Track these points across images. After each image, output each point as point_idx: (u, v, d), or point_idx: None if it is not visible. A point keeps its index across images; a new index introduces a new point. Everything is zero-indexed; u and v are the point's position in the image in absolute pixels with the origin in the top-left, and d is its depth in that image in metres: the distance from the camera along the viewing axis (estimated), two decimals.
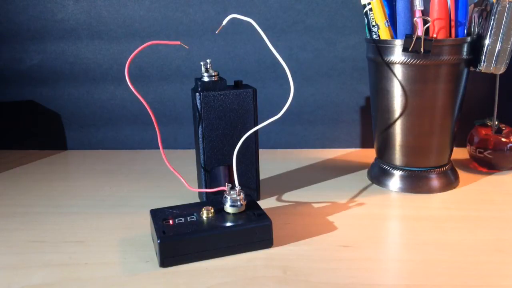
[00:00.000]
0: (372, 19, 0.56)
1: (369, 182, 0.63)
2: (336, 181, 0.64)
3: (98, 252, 0.46)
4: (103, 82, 0.77)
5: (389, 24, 0.56)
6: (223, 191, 0.49)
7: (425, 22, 0.53)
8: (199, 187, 0.57)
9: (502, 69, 0.55)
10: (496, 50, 0.54)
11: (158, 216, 0.47)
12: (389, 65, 0.56)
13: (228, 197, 0.48)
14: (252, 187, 0.57)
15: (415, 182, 0.59)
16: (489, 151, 0.64)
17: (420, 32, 0.52)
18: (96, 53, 0.76)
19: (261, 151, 0.58)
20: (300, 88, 0.76)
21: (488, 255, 0.44)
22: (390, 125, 0.59)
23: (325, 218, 0.52)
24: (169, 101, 0.78)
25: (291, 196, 0.59)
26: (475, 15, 0.58)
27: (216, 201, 0.50)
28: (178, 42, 0.51)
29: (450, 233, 0.49)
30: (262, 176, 0.62)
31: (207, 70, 0.53)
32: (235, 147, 0.52)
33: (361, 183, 0.63)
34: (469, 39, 0.55)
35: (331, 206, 0.56)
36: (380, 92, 0.59)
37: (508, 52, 0.54)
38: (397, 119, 0.58)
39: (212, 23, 0.74)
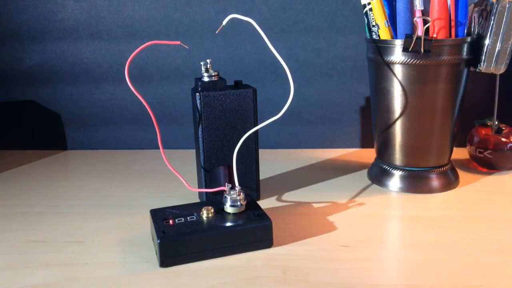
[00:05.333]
0: (372, 19, 0.56)
1: (369, 182, 0.63)
2: (336, 181, 0.64)
3: (98, 252, 0.46)
4: (103, 82, 0.77)
5: (389, 24, 0.56)
6: (223, 191, 0.49)
7: (425, 22, 0.53)
8: (199, 187, 0.57)
9: (502, 69, 0.55)
10: (496, 50, 0.54)
11: (158, 216, 0.47)
12: (389, 65, 0.56)
13: (228, 197, 0.48)
14: (252, 187, 0.57)
15: (415, 182, 0.59)
16: (489, 151, 0.64)
17: (420, 32, 0.52)
18: (96, 53, 0.76)
19: (261, 151, 0.58)
20: (300, 88, 0.75)
21: (488, 255, 0.44)
22: (390, 125, 0.59)
23: (325, 218, 0.52)
24: (169, 101, 0.78)
25: (291, 196, 0.59)
26: (475, 15, 0.58)
27: (216, 201, 0.50)
28: (178, 42, 0.51)
29: (450, 233, 0.49)
30: (262, 176, 0.62)
31: (207, 70, 0.53)
32: (235, 147, 0.52)
33: (361, 183, 0.63)
34: (469, 39, 0.55)
35: (331, 206, 0.55)
36: (380, 92, 0.59)
37: (508, 52, 0.54)
38: (397, 119, 0.58)
39: (212, 23, 0.74)
